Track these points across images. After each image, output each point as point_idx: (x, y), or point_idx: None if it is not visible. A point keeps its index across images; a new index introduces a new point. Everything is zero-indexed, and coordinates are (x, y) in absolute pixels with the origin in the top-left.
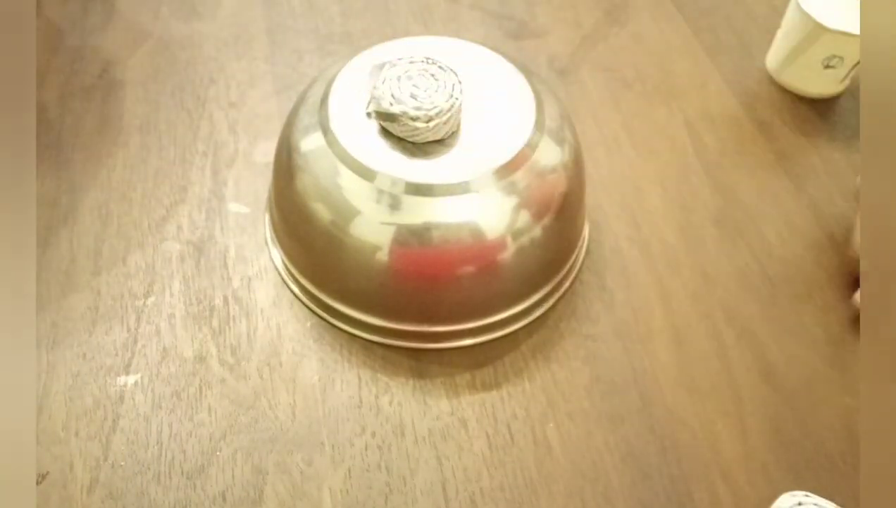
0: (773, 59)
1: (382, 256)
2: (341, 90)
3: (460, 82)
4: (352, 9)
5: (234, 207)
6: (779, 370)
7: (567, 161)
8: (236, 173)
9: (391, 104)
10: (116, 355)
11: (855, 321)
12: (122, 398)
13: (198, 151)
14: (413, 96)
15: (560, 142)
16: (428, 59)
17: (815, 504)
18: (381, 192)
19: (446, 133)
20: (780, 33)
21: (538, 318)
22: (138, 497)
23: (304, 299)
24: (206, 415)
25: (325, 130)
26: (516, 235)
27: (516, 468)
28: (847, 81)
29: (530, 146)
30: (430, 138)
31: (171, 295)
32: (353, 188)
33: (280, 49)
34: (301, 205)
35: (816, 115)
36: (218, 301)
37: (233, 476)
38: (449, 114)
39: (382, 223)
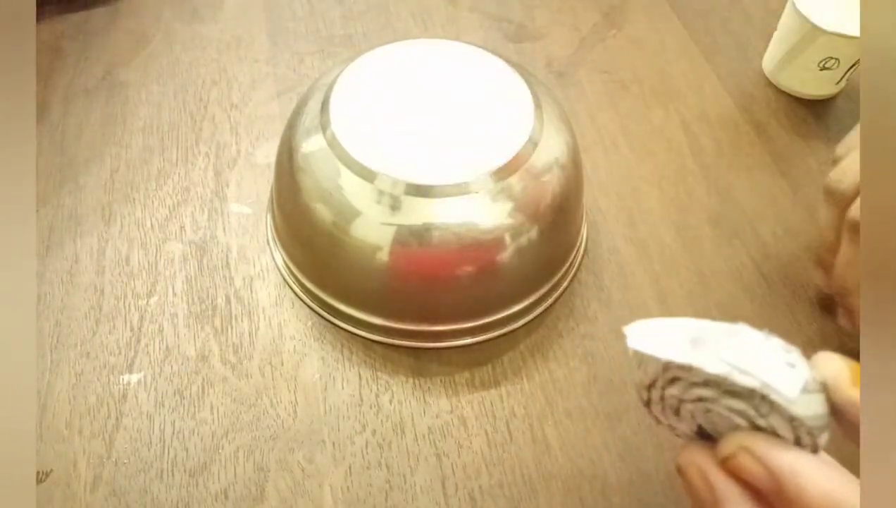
0: (769, 61)
1: (383, 256)
2: (342, 92)
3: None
4: (352, 11)
5: (235, 207)
6: None
7: (565, 162)
8: (238, 174)
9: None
10: (120, 353)
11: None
12: (125, 397)
13: (200, 153)
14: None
15: (558, 143)
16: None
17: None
18: (381, 193)
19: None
20: (776, 35)
21: (536, 317)
22: (141, 494)
23: (306, 298)
24: (208, 413)
25: (326, 132)
26: (515, 235)
27: (515, 465)
28: (843, 83)
29: (529, 148)
30: None
31: (174, 295)
32: (353, 189)
33: (281, 51)
34: (302, 206)
35: (812, 116)
36: (220, 301)
37: (235, 474)
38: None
39: (383, 224)
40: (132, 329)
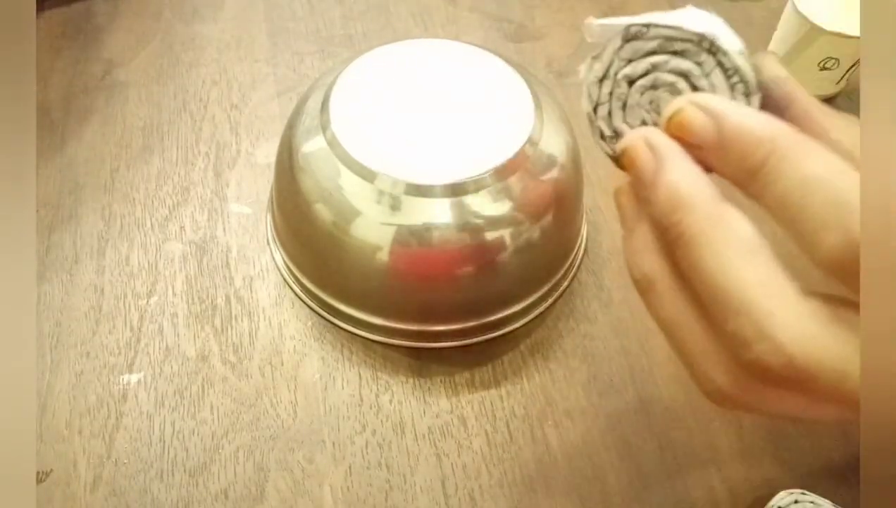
0: None
1: (383, 256)
2: (342, 92)
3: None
4: (353, 11)
5: (235, 207)
6: None
7: (565, 162)
8: (238, 174)
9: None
10: (120, 353)
11: None
12: (125, 397)
13: (200, 153)
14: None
15: (558, 143)
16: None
17: (812, 503)
18: (381, 193)
19: None
20: (776, 35)
21: (537, 317)
22: (141, 494)
23: (306, 298)
24: (208, 413)
25: (326, 132)
26: (515, 235)
27: (515, 465)
28: (843, 83)
29: (529, 147)
30: None
31: (174, 295)
32: (353, 189)
33: (281, 51)
34: (302, 206)
35: None
36: (220, 301)
37: (235, 474)
38: None
39: (383, 224)
40: (132, 329)
